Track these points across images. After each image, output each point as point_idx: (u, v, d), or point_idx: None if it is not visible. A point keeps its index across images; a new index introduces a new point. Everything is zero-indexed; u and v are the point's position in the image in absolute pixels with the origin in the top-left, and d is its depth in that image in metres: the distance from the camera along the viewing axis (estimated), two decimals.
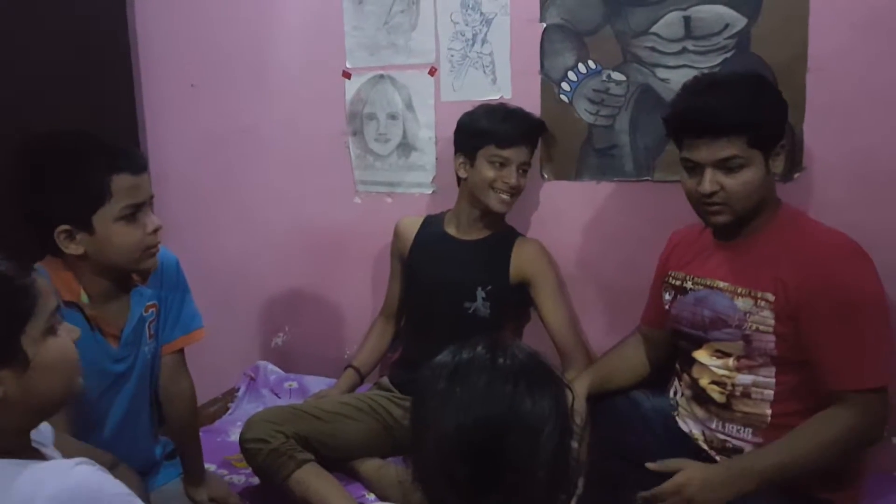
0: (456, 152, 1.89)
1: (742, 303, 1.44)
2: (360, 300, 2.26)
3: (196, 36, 2.38)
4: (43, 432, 1.04)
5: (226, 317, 2.51)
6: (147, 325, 1.50)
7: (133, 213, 1.35)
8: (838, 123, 1.66)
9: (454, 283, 1.88)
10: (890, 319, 1.38)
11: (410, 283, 2.00)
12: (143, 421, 1.56)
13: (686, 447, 1.52)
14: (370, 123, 2.19)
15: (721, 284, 1.48)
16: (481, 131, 1.82)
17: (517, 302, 1.93)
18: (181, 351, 1.62)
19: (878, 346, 1.35)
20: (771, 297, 1.40)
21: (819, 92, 1.66)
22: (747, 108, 1.38)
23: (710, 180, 1.40)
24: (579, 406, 1.51)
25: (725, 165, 1.39)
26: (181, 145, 2.47)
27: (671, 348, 1.65)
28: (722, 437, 1.49)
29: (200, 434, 1.70)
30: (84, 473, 0.88)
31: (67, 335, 0.97)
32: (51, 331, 0.94)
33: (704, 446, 1.51)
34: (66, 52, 2.15)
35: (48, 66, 2.09)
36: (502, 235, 1.92)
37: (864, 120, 1.64)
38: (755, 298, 1.42)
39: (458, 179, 1.91)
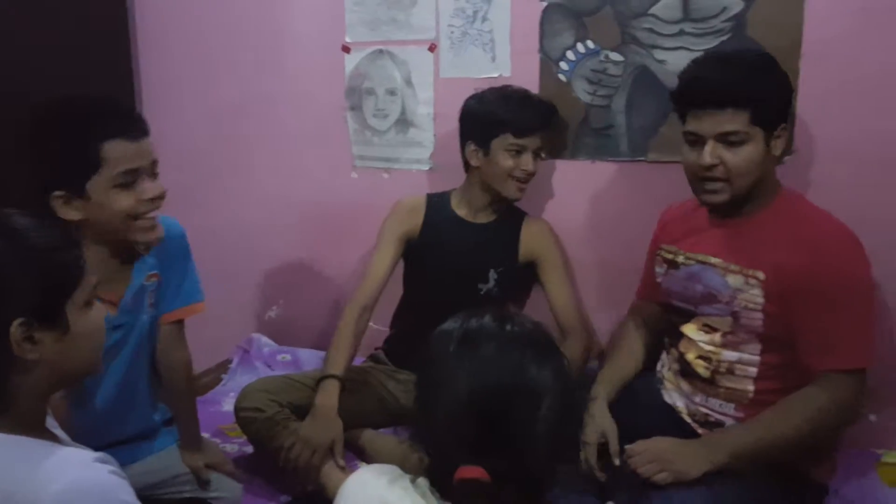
0: (466, 140, 1.86)
1: (733, 280, 1.46)
2: (355, 274, 2.28)
3: (194, 8, 2.38)
4: None
5: (220, 289, 2.50)
6: (148, 293, 1.51)
7: (131, 181, 1.33)
8: (830, 108, 1.70)
9: (469, 267, 1.88)
10: (874, 306, 1.42)
11: (418, 265, 1.98)
12: (141, 388, 1.58)
13: (670, 420, 1.56)
14: (369, 98, 2.20)
15: (714, 261, 1.50)
16: (499, 121, 1.80)
17: (525, 281, 1.96)
18: (180, 322, 1.63)
19: (860, 330, 1.38)
20: (762, 275, 1.43)
21: (812, 77, 1.69)
22: (753, 83, 1.40)
23: (710, 153, 1.41)
24: (607, 426, 1.52)
25: (727, 139, 1.40)
26: (177, 117, 2.47)
27: (665, 323, 1.68)
28: (705, 410, 1.52)
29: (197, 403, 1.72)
30: (101, 473, 0.90)
31: (98, 312, 1.00)
32: (89, 304, 0.98)
33: (688, 419, 1.55)
34: (63, 24, 2.14)
35: (44, 36, 2.08)
36: (511, 216, 1.94)
37: (856, 105, 1.68)
38: (746, 276, 1.45)
39: (467, 166, 1.89)
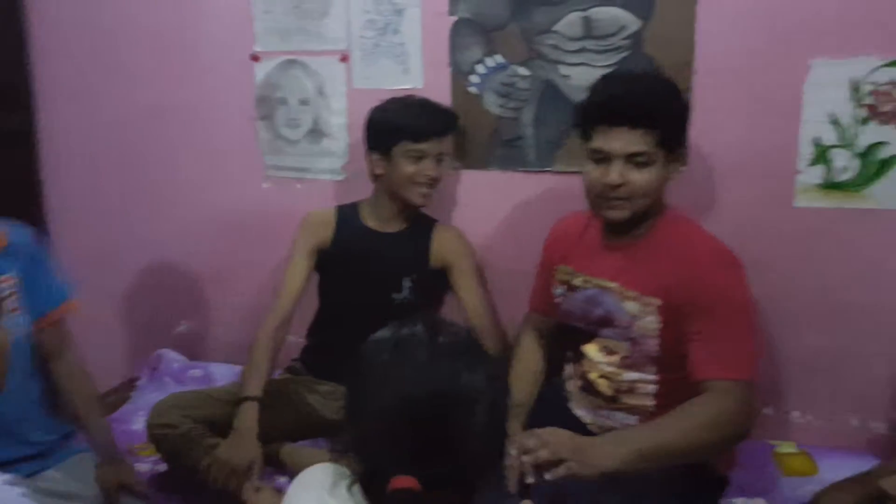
0: (369, 150, 1.88)
1: (630, 306, 1.49)
2: (269, 285, 2.25)
3: (97, 14, 2.30)
4: None
5: (126, 304, 2.44)
6: (3, 298, 1.45)
7: None
8: (720, 122, 1.81)
9: (382, 277, 1.89)
10: (757, 323, 1.47)
11: (332, 276, 1.97)
12: (27, 401, 1.52)
13: (579, 430, 1.52)
14: (280, 108, 2.18)
15: (611, 285, 1.52)
16: (396, 127, 1.82)
17: (438, 288, 1.98)
18: (61, 325, 1.59)
19: (745, 343, 1.40)
20: (657, 301, 1.46)
21: (703, 93, 1.80)
22: (664, 106, 1.44)
23: (618, 172, 1.42)
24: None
25: (634, 160, 1.42)
26: (81, 129, 2.39)
27: (560, 333, 1.70)
28: (610, 423, 1.56)
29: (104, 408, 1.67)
30: (10, 496, 0.86)
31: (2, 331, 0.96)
32: None
33: (595, 430, 1.57)
34: None
35: None
36: (421, 224, 1.96)
37: (744, 120, 1.80)
38: (643, 303, 1.47)
39: (374, 176, 1.90)
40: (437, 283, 1.97)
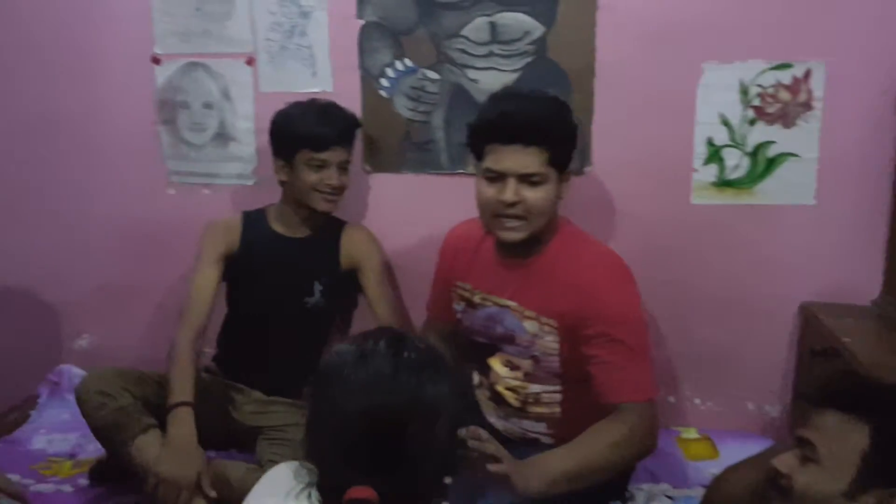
0: (274, 156, 1.84)
1: (529, 325, 1.51)
2: (179, 295, 2.18)
3: None
4: None
5: (22, 320, 2.32)
6: None
7: None
8: (621, 124, 1.88)
9: (293, 282, 1.86)
10: (648, 339, 1.49)
11: (241, 284, 1.92)
12: None
13: (494, 437, 1.58)
14: (183, 112, 2.12)
15: (510, 304, 1.53)
16: (296, 136, 1.79)
17: (350, 289, 1.97)
18: None
19: (644, 363, 1.43)
20: (554, 322, 1.47)
21: (604, 96, 1.87)
22: (556, 124, 1.44)
23: (513, 189, 1.41)
24: None
25: (528, 179, 1.41)
26: None
27: (464, 343, 1.70)
28: (520, 430, 1.60)
29: None
30: None
31: None
32: None
33: (508, 436, 1.60)
34: None
35: None
36: (330, 227, 1.93)
37: (643, 121, 1.88)
38: (541, 323, 1.49)
39: (280, 182, 1.86)
40: (349, 285, 1.96)
